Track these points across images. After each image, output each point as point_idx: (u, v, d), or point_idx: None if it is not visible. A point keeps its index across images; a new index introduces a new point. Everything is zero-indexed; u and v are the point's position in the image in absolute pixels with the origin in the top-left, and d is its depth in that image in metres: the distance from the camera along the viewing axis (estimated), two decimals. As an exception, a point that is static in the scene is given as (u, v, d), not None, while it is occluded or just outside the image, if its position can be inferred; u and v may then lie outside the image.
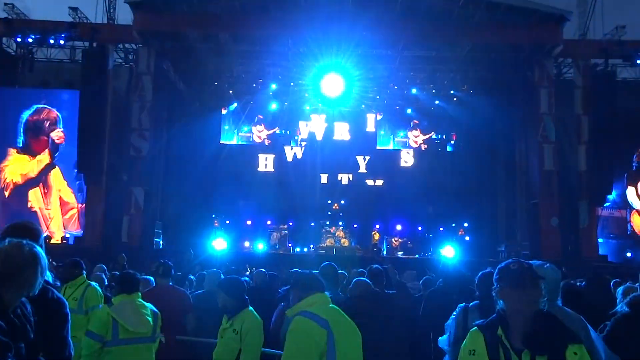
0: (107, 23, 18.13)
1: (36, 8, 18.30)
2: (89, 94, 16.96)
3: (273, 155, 23.46)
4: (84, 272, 5.43)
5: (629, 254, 18.06)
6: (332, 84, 19.16)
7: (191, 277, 7.62)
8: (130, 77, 18.45)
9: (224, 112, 23.20)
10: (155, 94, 17.92)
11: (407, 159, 23.72)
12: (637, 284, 3.90)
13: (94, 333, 4.08)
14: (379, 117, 23.73)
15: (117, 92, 18.23)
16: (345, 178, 23.14)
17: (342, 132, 23.62)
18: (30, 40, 17.43)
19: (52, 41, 17.40)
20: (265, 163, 23.50)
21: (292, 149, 23.50)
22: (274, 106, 22.74)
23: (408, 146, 23.82)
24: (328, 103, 21.47)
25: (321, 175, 22.89)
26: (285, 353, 2.84)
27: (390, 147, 23.89)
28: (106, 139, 17.32)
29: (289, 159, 23.39)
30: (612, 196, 18.28)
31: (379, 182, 23.26)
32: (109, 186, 17.37)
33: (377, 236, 21.05)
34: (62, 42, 17.54)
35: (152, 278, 5.83)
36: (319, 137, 23.49)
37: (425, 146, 23.72)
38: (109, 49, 17.74)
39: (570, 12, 17.45)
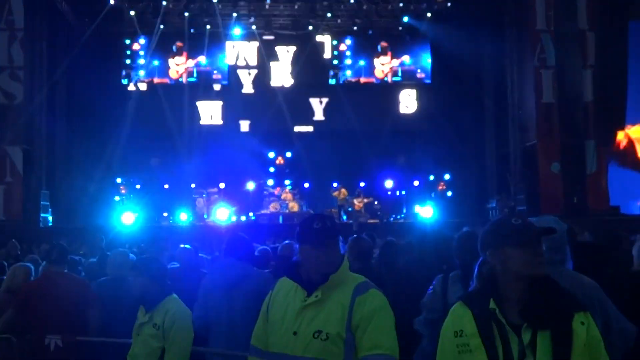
0: None
1: None
2: None
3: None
4: None
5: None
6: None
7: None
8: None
9: (128, 43, 22.50)
10: (30, 20, 17.33)
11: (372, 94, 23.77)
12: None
13: None
14: (334, 42, 23.57)
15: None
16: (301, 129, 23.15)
17: (282, 75, 23.52)
18: None
19: None
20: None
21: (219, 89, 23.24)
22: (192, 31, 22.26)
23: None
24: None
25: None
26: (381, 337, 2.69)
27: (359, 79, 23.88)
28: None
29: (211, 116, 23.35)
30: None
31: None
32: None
33: (343, 194, 20.95)
34: None
35: (31, 264, 5.70)
36: (249, 79, 23.41)
37: (392, 77, 23.81)
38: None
39: None
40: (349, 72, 23.71)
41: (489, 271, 2.31)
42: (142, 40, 22.61)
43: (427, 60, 23.67)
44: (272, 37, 23.23)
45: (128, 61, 22.85)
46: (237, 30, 22.65)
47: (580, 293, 2.49)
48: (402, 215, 20.67)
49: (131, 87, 22.67)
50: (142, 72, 22.85)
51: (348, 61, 23.71)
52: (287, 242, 6.60)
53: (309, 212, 19.93)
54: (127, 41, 22.60)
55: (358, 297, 2.65)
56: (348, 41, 23.58)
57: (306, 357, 2.62)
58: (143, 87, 22.88)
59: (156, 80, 23.04)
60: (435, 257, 4.93)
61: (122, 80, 22.70)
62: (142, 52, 22.82)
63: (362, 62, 23.76)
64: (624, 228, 9.99)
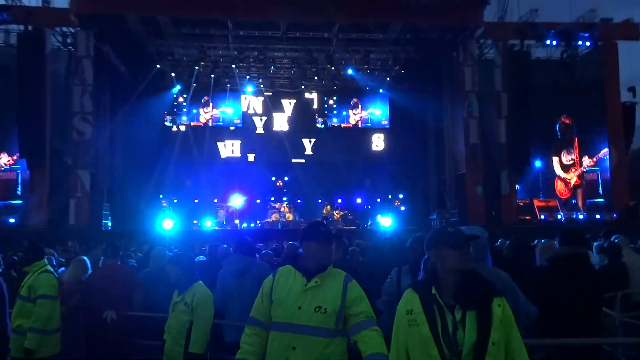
0: (42, 6, 17.03)
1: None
2: (26, 80, 16.05)
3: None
4: (44, 256, 4.99)
5: (542, 216, 19.01)
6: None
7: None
8: (69, 60, 17.52)
9: (170, 93, 22.51)
10: (96, 77, 17.18)
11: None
12: (554, 241, 4.11)
13: None
14: (318, 97, 23.72)
15: (56, 76, 17.30)
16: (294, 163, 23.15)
17: (282, 121, 23.61)
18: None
19: (-17, 25, 16.28)
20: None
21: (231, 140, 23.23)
22: (216, 88, 22.34)
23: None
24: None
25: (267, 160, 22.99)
26: None
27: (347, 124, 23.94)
28: (47, 123, 16.48)
29: (232, 150, 23.34)
30: (539, 165, 19.24)
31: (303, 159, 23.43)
32: (52, 170, 16.60)
33: (327, 209, 21.00)
34: (-6, 25, 16.42)
35: (86, 258, 5.61)
36: (260, 124, 23.47)
37: (362, 124, 24.00)
38: (46, 32, 16.73)
39: (490, -4, 17.91)
40: (335, 120, 23.84)
41: (431, 266, 2.31)
42: (185, 95, 22.63)
43: (386, 111, 23.89)
44: (271, 93, 23.37)
45: (174, 110, 22.90)
46: (249, 88, 22.72)
47: (497, 283, 2.48)
48: (369, 223, 20.68)
49: (174, 128, 22.68)
50: (184, 118, 22.86)
51: (335, 112, 23.86)
52: (290, 242, 6.57)
53: (301, 221, 19.91)
54: (174, 94, 22.54)
55: (349, 284, 2.77)
56: (334, 97, 23.75)
57: (308, 325, 2.66)
58: (182, 128, 22.87)
59: (192, 123, 23.07)
60: (391, 254, 4.92)
61: (165, 122, 22.72)
62: (184, 103, 22.80)
63: (343, 113, 23.94)
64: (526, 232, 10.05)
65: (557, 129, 20.22)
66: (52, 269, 4.96)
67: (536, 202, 19.52)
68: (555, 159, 20.32)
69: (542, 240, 5.09)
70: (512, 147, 18.34)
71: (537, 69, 18.96)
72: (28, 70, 16.10)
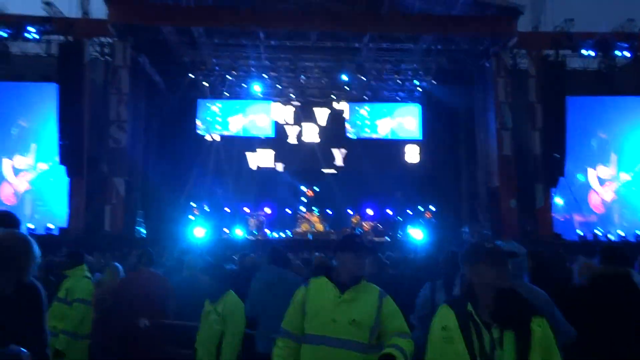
0: (82, 17, 17.60)
1: (9, 2, 17.60)
2: (66, 88, 16.56)
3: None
4: (84, 262, 5.13)
5: (580, 232, 18.56)
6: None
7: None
8: (106, 70, 17.96)
9: (203, 103, 22.84)
10: (132, 87, 17.55)
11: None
12: (594, 259, 3.98)
13: None
14: (349, 107, 23.70)
15: (94, 85, 17.79)
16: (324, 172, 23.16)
17: (312, 131, 23.60)
18: (5, 35, 16.88)
19: (27, 35, 16.87)
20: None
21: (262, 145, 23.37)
22: (248, 97, 22.56)
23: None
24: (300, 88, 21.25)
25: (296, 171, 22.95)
26: None
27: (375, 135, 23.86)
28: (85, 131, 16.94)
29: (264, 159, 23.38)
30: (582, 179, 18.90)
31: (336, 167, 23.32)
32: (89, 177, 17.02)
33: (356, 219, 20.88)
34: (37, 36, 17.03)
35: (119, 264, 5.70)
36: (292, 133, 23.50)
37: (391, 135, 23.84)
38: (85, 43, 17.29)
39: (523, 6, 17.68)
40: (367, 130, 23.72)
41: (467, 282, 2.27)
42: (218, 104, 22.88)
43: (417, 122, 23.66)
44: (301, 103, 23.36)
45: (207, 118, 23.09)
46: (280, 97, 22.89)
47: (535, 301, 2.43)
48: (400, 235, 20.46)
49: (207, 137, 22.95)
50: (218, 127, 23.11)
51: (366, 122, 23.76)
52: (317, 254, 6.56)
53: (331, 231, 19.89)
54: (207, 103, 22.84)
55: (383, 299, 2.78)
56: (365, 107, 23.68)
57: (343, 338, 2.64)
58: (216, 137, 23.10)
59: (225, 132, 23.27)
60: (424, 268, 4.86)
61: (198, 131, 23.01)
62: (219, 112, 23.04)
63: (374, 123, 23.81)
64: (562, 249, 9.78)
65: (593, 143, 19.74)
66: (90, 275, 5.10)
67: (576, 217, 19.04)
68: (591, 172, 19.81)
69: (580, 258, 4.96)
70: (547, 159, 17.95)
71: (573, 79, 18.55)
72: (68, 80, 16.61)
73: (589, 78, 18.94)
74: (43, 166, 18.23)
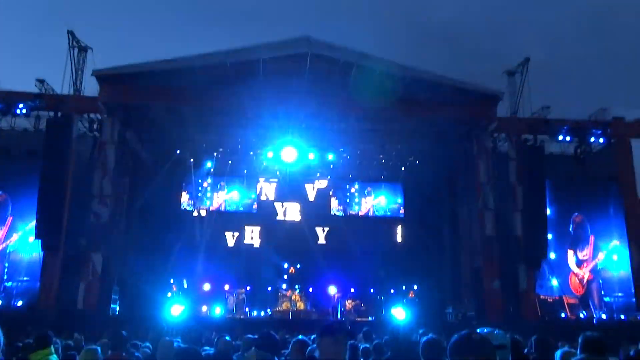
0: (73, 94, 18.00)
1: (3, 76, 18.05)
2: (50, 163, 16.60)
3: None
4: (51, 345, 4.92)
5: (562, 315, 18.42)
6: (289, 155, 19.39)
7: None
8: (93, 144, 18.12)
9: (189, 178, 22.96)
10: (118, 162, 17.64)
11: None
12: (575, 350, 3.96)
13: None
14: (332, 185, 23.98)
15: (80, 159, 17.86)
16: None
17: (294, 211, 23.76)
18: (-5, 110, 17.15)
19: (17, 111, 17.14)
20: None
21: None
22: (233, 173, 22.81)
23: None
24: (286, 166, 21.48)
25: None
26: None
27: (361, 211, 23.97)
28: (65, 205, 16.80)
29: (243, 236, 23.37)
30: (554, 259, 18.94)
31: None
32: (67, 251, 16.68)
33: (337, 296, 20.46)
34: (26, 112, 17.26)
35: (98, 347, 5.49)
36: (276, 210, 23.65)
37: (374, 212, 23.99)
38: (74, 118, 17.52)
39: (502, 93, 18.54)
40: (355, 208, 23.86)
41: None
42: (209, 180, 23.02)
43: (400, 201, 23.94)
44: (285, 181, 23.46)
45: (195, 194, 23.15)
46: (264, 175, 23.17)
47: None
48: (381, 315, 20.04)
49: (195, 213, 22.85)
50: (207, 202, 23.06)
51: (347, 200, 23.97)
52: (295, 339, 6.36)
53: (312, 310, 19.45)
54: (195, 179, 22.93)
55: None
56: (348, 185, 23.98)
57: None
58: (202, 212, 23.01)
59: (211, 208, 23.21)
60: (404, 354, 4.77)
61: (182, 206, 22.92)
62: (207, 187, 23.15)
63: (356, 201, 24.04)
64: (546, 332, 9.65)
65: (571, 225, 20.07)
66: (57, 358, 4.89)
67: (566, 299, 18.93)
68: (570, 253, 19.94)
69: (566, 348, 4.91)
70: (529, 240, 18.11)
71: (551, 163, 19.15)
72: (53, 154, 16.66)
73: (567, 162, 19.57)
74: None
